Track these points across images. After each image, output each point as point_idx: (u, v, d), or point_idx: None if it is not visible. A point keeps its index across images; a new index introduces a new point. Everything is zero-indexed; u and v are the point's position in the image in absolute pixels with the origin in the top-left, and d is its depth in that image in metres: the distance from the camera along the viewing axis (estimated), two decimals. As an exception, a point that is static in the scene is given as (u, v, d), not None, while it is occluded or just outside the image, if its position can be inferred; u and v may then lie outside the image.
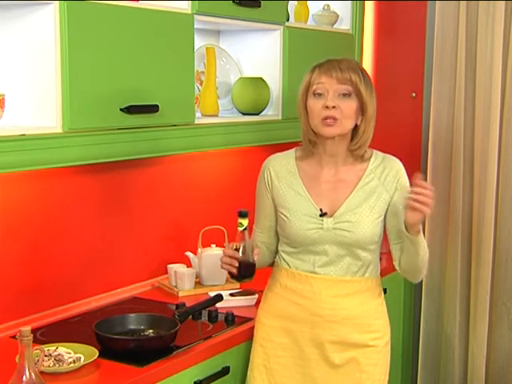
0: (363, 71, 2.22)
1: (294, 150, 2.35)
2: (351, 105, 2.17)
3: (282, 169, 2.31)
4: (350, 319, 2.23)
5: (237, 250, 2.16)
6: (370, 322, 2.26)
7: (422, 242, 2.19)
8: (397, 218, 2.23)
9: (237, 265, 2.16)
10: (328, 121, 2.16)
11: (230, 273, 2.20)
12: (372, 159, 2.27)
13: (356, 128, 2.22)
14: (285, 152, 2.36)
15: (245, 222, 2.15)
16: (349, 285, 2.24)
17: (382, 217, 2.24)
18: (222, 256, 2.19)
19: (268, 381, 2.28)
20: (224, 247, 2.27)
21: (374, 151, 2.29)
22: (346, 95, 2.16)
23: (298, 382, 2.27)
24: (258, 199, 2.37)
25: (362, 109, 2.19)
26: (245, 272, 2.18)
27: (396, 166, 2.26)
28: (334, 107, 2.14)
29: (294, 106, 2.29)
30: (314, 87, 2.18)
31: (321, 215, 2.21)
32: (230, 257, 2.16)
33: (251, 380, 2.31)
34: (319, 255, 2.23)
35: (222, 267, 2.21)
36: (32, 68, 2.14)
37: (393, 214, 2.24)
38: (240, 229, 2.16)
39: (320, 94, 2.17)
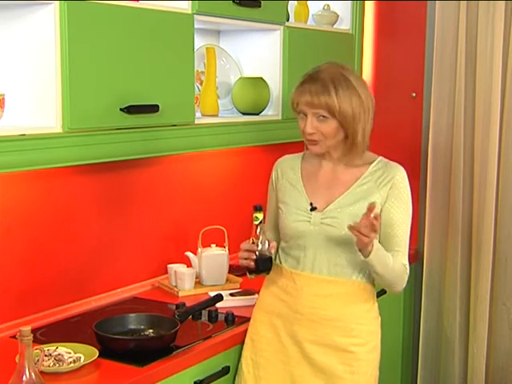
0: (340, 84, 2.14)
1: (302, 153, 2.38)
2: (330, 126, 2.17)
3: (287, 168, 2.36)
4: (330, 320, 2.23)
5: (253, 243, 2.19)
6: (352, 327, 2.23)
7: (379, 265, 2.14)
8: (385, 226, 2.22)
9: (254, 257, 2.18)
10: (311, 141, 2.21)
11: (247, 268, 2.23)
12: (374, 164, 2.27)
13: (346, 137, 2.21)
14: (294, 154, 2.41)
15: (260, 215, 2.18)
16: (331, 285, 2.23)
17: None
18: (240, 251, 2.22)
19: (253, 374, 2.31)
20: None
21: (380, 158, 2.29)
22: (324, 117, 2.17)
23: (280, 377, 2.28)
24: (268, 198, 2.42)
25: (343, 125, 2.18)
26: (262, 265, 2.20)
27: (393, 173, 2.24)
28: (313, 133, 2.18)
29: (294, 106, 2.29)
30: (298, 109, 2.22)
31: (311, 209, 2.23)
32: (247, 251, 2.19)
33: (240, 372, 2.35)
34: (306, 251, 2.24)
35: (240, 264, 2.24)
36: (32, 68, 2.14)
37: (383, 224, 2.22)
38: (255, 222, 2.18)
39: (304, 113, 2.20)
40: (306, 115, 2.19)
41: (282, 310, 2.28)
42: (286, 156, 2.42)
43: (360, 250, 2.12)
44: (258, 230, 2.19)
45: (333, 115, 2.16)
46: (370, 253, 2.10)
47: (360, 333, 2.25)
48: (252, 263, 2.19)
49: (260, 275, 2.25)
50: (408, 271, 2.26)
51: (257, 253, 2.18)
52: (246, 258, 2.20)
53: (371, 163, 2.27)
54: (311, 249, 2.23)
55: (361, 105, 2.18)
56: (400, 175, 2.24)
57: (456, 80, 3.32)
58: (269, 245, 2.20)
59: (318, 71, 2.20)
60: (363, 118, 2.19)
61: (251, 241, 2.20)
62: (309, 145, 2.23)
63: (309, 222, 2.23)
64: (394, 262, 2.20)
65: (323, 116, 2.16)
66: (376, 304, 2.32)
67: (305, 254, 2.24)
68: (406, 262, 2.25)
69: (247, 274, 2.27)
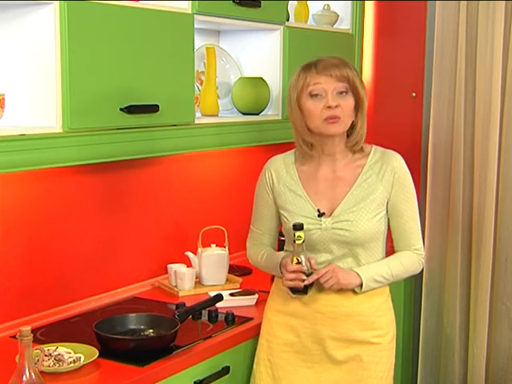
0: (354, 67, 2.24)
1: (293, 150, 2.35)
2: (350, 102, 2.18)
3: (281, 170, 2.32)
4: (351, 316, 2.24)
5: (299, 263, 2.15)
6: (373, 319, 2.26)
7: (378, 283, 2.23)
8: (396, 218, 2.25)
9: (303, 278, 2.15)
10: (331, 120, 2.16)
11: (291, 288, 2.19)
12: (371, 155, 2.27)
13: (352, 124, 2.22)
14: (285, 153, 2.37)
15: (303, 234, 2.13)
16: None
17: (383, 213, 2.24)
18: (286, 273, 2.17)
19: (272, 375, 2.30)
20: (285, 263, 2.21)
21: (374, 147, 2.30)
22: (344, 93, 2.18)
23: (302, 376, 2.28)
24: (259, 200, 2.37)
25: (357, 105, 2.20)
26: (310, 285, 2.17)
27: (393, 162, 2.25)
28: (336, 106, 2.15)
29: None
30: (311, 88, 2.18)
31: (319, 215, 2.22)
32: (295, 272, 2.16)
33: (257, 374, 2.33)
34: (321, 253, 2.23)
35: (286, 285, 2.19)
36: (32, 68, 2.14)
37: (392, 214, 2.25)
38: (298, 242, 2.14)
39: (317, 95, 2.17)
40: (324, 93, 2.16)
41: (300, 310, 2.27)
42: (277, 156, 2.37)
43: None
44: (302, 249, 2.14)
45: (352, 90, 2.17)
46: (360, 286, 2.19)
47: (381, 324, 2.27)
48: (301, 284, 2.16)
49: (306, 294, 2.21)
50: (422, 253, 2.29)
51: (306, 272, 2.15)
52: (292, 279, 2.16)
53: (368, 155, 2.27)
54: (328, 251, 2.23)
55: (366, 94, 2.23)
56: (399, 164, 2.26)
57: (456, 80, 3.31)
58: (310, 262, 2.17)
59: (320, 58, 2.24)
60: (366, 106, 2.23)
61: (295, 260, 2.15)
62: (327, 125, 2.17)
63: (320, 229, 2.22)
64: (401, 261, 2.25)
65: (344, 92, 2.17)
66: (390, 295, 2.35)
67: (321, 255, 2.24)
68: (420, 245, 2.29)
69: (290, 293, 2.20)
